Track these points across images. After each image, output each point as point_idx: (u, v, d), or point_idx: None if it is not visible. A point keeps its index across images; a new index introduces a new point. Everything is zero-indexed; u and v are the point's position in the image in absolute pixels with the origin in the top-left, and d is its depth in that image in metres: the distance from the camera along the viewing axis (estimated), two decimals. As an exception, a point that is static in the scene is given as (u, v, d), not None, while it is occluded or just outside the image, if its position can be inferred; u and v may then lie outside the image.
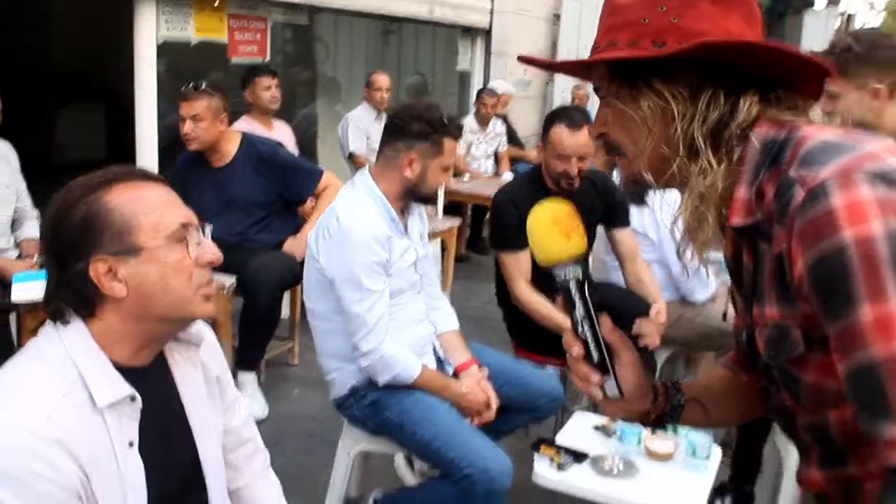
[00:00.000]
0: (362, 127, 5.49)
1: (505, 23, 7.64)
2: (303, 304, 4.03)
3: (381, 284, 2.25)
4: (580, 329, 1.03)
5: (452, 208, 5.76)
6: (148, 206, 1.22)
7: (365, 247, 2.22)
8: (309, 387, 3.71)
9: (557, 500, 2.27)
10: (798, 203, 0.84)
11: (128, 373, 1.23)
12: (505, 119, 6.91)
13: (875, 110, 1.99)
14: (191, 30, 4.51)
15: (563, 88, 8.05)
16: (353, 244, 2.22)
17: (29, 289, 2.82)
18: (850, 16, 13.15)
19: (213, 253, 1.28)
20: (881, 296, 0.78)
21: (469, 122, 6.47)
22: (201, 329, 1.40)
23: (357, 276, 2.21)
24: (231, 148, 3.57)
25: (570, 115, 2.82)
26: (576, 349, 1.03)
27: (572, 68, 1.11)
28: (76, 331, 1.21)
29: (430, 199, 2.45)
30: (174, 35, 4.39)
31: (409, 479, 2.61)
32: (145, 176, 1.27)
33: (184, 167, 3.64)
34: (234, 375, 3.47)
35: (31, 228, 3.30)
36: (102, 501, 1.17)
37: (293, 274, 3.53)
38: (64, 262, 1.20)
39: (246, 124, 4.32)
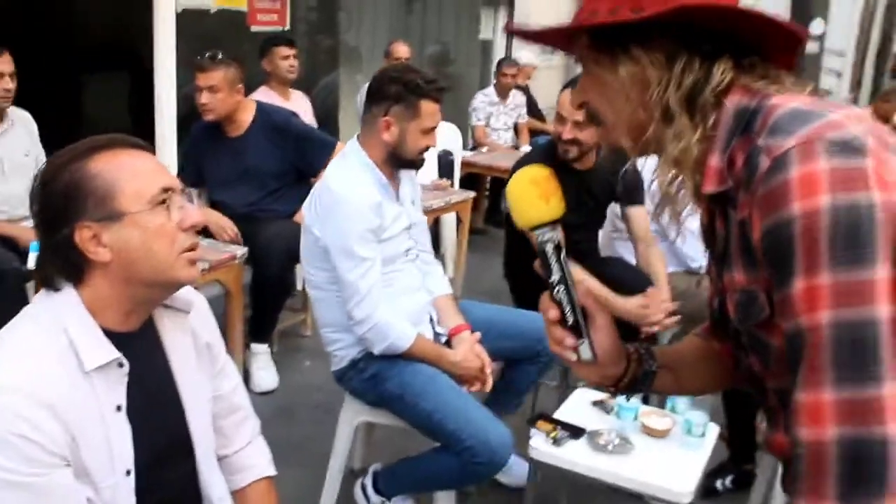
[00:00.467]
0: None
1: (529, -8, 7.55)
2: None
3: (373, 252, 2.27)
4: (556, 292, 1.05)
5: (469, 180, 5.74)
6: (130, 173, 1.26)
7: (357, 214, 2.25)
8: (321, 358, 3.73)
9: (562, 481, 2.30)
10: (763, 172, 0.87)
11: (117, 338, 1.27)
12: (526, 90, 6.85)
13: None
14: (210, -2, 4.52)
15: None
16: (344, 212, 2.25)
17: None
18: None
19: (197, 216, 1.31)
20: (814, 269, 0.83)
21: (489, 92, 6.43)
22: (191, 296, 1.44)
23: (350, 244, 2.24)
24: (246, 118, 3.60)
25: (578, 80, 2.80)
26: (552, 312, 1.06)
27: (555, 39, 1.12)
28: (66, 297, 1.26)
29: (413, 164, 2.42)
30: (194, 3, 4.40)
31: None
32: (129, 143, 1.31)
33: (199, 137, 3.67)
34: (247, 346, 3.53)
35: (50, 197, 3.35)
36: (89, 464, 1.22)
37: (305, 244, 3.57)
38: (50, 228, 1.25)
39: (264, 94, 4.34)
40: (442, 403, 2.23)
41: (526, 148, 6.14)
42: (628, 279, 2.88)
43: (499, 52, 7.53)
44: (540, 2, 7.64)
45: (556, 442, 2.18)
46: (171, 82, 4.36)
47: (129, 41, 5.55)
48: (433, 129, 2.37)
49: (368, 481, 2.52)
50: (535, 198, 1.03)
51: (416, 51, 5.88)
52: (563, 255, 1.05)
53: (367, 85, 5.68)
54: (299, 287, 4.10)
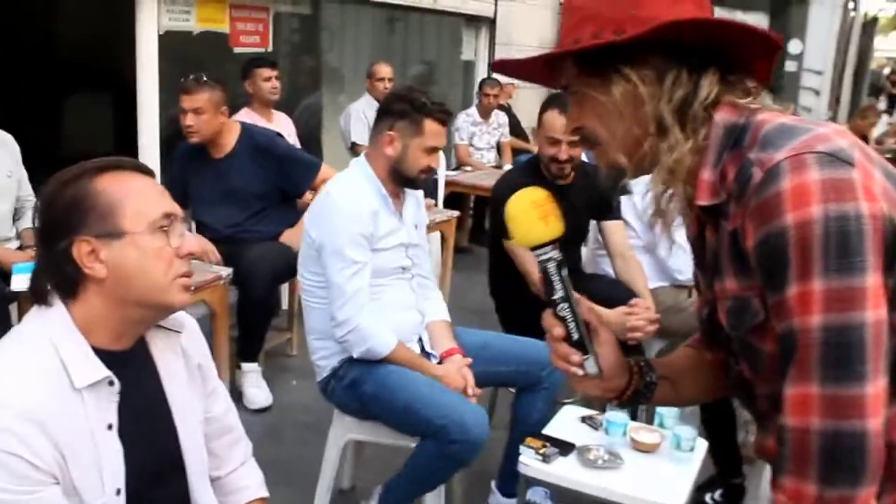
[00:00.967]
0: (364, 117, 5.50)
1: (509, 12, 7.62)
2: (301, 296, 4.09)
3: (363, 256, 2.32)
4: (560, 309, 1.08)
5: (454, 200, 5.76)
6: (134, 194, 1.27)
7: (351, 217, 2.31)
8: (307, 378, 3.71)
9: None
10: (755, 183, 0.91)
11: (108, 356, 1.26)
12: (508, 109, 6.90)
13: None
14: (193, 20, 4.52)
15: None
16: (339, 214, 2.32)
17: (29, 279, 2.85)
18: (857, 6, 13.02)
19: (195, 245, 1.34)
20: (807, 276, 0.88)
21: (471, 112, 6.47)
22: (183, 317, 1.44)
23: (341, 245, 2.29)
24: (230, 139, 3.60)
25: (564, 100, 2.84)
26: (557, 330, 1.09)
27: (541, 71, 1.15)
28: (57, 313, 1.26)
29: (414, 183, 2.47)
30: (176, 25, 4.41)
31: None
32: (135, 167, 1.33)
33: (183, 158, 3.67)
34: (238, 366, 3.52)
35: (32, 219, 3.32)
36: (79, 483, 1.21)
37: (289, 265, 3.54)
38: (49, 241, 1.25)
39: (246, 116, 4.34)
40: (414, 393, 2.26)
41: (509, 167, 6.17)
42: (614, 295, 2.89)
43: (481, 73, 7.59)
44: (521, 23, 7.73)
45: (546, 458, 2.18)
46: (153, 104, 4.36)
47: (112, 63, 5.54)
48: (436, 149, 2.42)
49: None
50: (536, 219, 1.06)
51: (399, 72, 5.92)
52: (564, 272, 1.07)
53: (349, 107, 5.72)
54: (284, 307, 4.09)
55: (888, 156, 3.46)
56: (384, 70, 5.55)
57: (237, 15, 4.83)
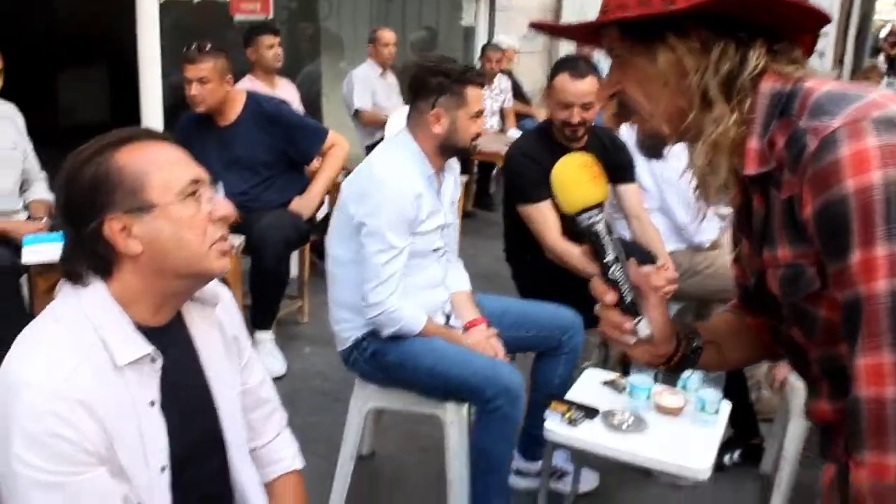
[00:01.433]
0: (367, 84, 5.45)
1: (510, -24, 7.53)
2: (312, 263, 4.07)
3: (403, 242, 2.28)
4: (612, 272, 1.06)
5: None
6: (157, 164, 1.23)
7: (395, 200, 2.25)
8: (319, 345, 3.73)
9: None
10: (811, 152, 0.90)
11: (147, 332, 1.24)
12: (510, 74, 6.84)
13: None
14: (193, -13, 4.46)
15: (569, 42, 7.94)
16: (383, 195, 2.25)
17: (39, 251, 2.83)
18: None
19: (226, 208, 1.29)
20: (870, 242, 0.87)
21: (474, 77, 6.40)
22: (218, 289, 1.42)
23: (382, 228, 2.24)
24: (236, 107, 3.55)
25: (575, 64, 2.82)
26: (609, 296, 1.08)
27: (581, 33, 1.13)
28: (95, 291, 1.23)
29: (466, 151, 2.45)
30: (176, -7, 4.35)
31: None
32: (153, 135, 1.29)
33: (187, 127, 3.61)
34: (251, 334, 3.50)
35: (40, 190, 3.30)
36: (124, 462, 1.19)
37: (299, 233, 3.54)
38: (77, 223, 1.22)
39: (249, 83, 4.29)
40: (441, 356, 2.27)
41: (513, 131, 6.13)
42: (636, 257, 2.88)
43: (481, 38, 7.51)
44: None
45: (572, 422, 2.18)
46: (155, 73, 4.30)
47: (111, 33, 5.47)
48: (481, 112, 2.39)
49: None
50: (587, 181, 1.06)
51: (399, 38, 5.84)
52: (614, 234, 1.06)
53: (352, 72, 5.66)
54: (294, 274, 4.07)
55: None
56: (388, 36, 5.49)
57: (237, -19, 4.76)
